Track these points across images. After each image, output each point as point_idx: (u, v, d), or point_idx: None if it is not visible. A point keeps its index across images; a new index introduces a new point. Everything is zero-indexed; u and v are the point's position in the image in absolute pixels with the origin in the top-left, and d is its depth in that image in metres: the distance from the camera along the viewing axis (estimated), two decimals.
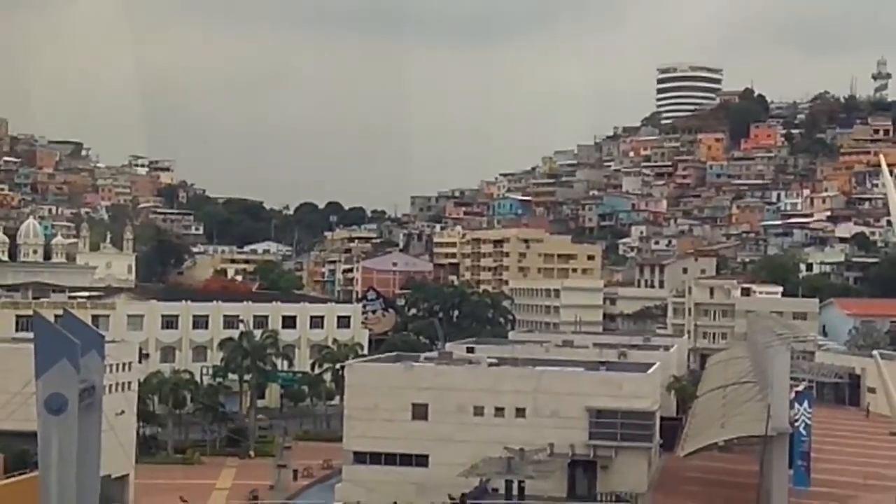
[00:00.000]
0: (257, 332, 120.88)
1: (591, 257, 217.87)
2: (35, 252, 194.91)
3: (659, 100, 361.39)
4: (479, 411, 74.74)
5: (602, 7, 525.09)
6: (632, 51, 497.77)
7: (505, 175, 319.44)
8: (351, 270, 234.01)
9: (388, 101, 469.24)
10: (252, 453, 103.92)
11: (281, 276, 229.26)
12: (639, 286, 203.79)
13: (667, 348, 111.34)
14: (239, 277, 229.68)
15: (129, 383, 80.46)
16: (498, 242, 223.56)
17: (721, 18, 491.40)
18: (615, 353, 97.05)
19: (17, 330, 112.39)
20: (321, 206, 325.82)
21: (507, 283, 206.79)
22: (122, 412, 74.90)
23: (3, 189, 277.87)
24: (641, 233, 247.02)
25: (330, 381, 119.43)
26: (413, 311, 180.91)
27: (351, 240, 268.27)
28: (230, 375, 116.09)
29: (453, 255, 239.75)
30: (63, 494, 53.50)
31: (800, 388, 69.71)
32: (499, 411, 74.66)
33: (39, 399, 52.80)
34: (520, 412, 74.53)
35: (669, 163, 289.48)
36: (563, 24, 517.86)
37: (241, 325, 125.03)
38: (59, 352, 52.43)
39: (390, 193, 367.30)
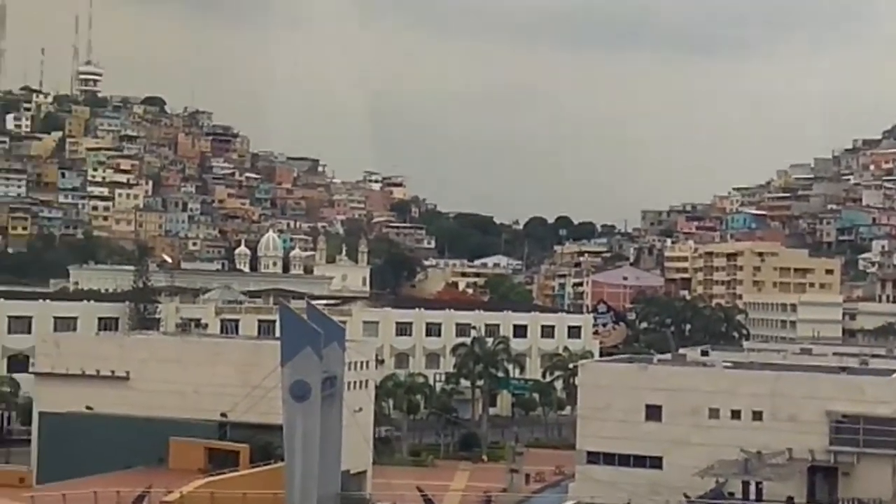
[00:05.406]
0: (489, 340, 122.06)
1: (829, 272, 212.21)
2: (275, 264, 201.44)
3: None
4: (714, 414, 73.19)
5: (840, 17, 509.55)
6: (873, 61, 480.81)
7: (738, 189, 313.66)
8: (581, 284, 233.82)
9: (618, 114, 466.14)
10: (485, 458, 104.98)
11: (511, 289, 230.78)
12: (880, 301, 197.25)
13: None
14: (470, 290, 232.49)
15: (367, 381, 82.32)
16: (731, 256, 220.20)
17: None
18: (856, 361, 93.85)
19: (259, 334, 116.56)
20: (550, 220, 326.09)
21: (740, 297, 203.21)
22: (360, 409, 76.44)
23: (244, 204, 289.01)
24: (883, 247, 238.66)
25: (561, 389, 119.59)
26: (644, 324, 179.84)
27: (581, 254, 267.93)
28: (462, 382, 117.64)
29: (685, 270, 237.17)
30: (306, 481, 55.18)
31: None
32: (735, 414, 72.93)
33: (285, 386, 54.70)
34: (756, 415, 72.65)
35: None
36: (799, 34, 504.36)
37: (472, 333, 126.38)
38: (303, 340, 54.25)
39: (620, 208, 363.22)
